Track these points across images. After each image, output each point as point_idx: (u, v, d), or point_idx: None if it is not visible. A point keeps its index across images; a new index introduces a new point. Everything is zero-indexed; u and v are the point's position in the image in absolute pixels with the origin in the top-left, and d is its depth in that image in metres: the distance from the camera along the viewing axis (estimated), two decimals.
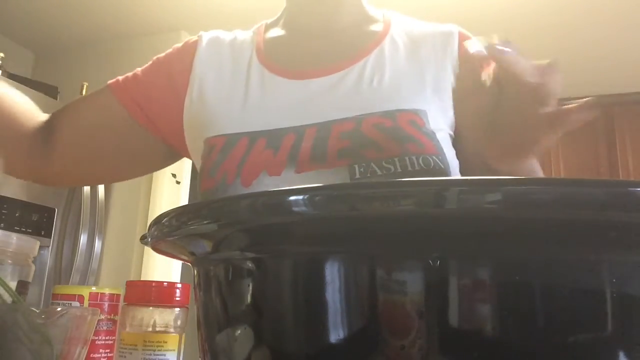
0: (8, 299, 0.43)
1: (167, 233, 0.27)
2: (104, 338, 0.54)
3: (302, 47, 0.70)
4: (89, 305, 0.53)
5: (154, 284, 0.53)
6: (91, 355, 0.52)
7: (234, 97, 0.67)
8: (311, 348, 0.23)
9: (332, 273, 0.23)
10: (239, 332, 0.26)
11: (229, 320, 0.27)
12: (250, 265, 0.25)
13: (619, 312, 0.20)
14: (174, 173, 3.07)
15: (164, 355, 0.50)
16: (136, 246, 2.70)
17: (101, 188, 2.41)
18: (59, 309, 0.40)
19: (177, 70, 0.73)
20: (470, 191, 0.19)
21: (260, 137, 0.62)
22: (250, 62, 0.70)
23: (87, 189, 2.34)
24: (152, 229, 0.28)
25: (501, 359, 0.20)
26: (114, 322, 0.55)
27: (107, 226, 2.48)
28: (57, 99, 2.64)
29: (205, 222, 0.25)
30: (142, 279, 2.62)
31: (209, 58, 0.72)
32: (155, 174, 2.91)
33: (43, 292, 2.15)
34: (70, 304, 0.53)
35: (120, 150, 0.74)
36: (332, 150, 0.59)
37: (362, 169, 0.57)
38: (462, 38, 0.68)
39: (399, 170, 0.56)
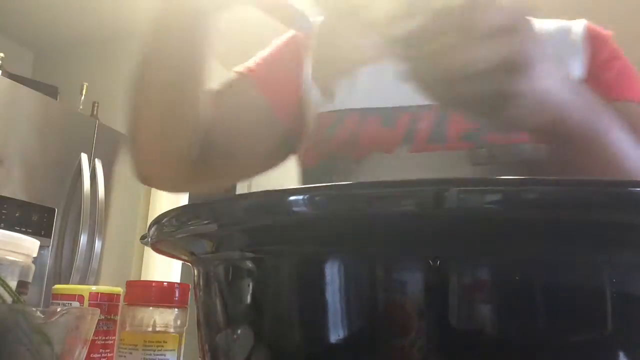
0: (8, 299, 0.43)
1: (167, 233, 0.27)
2: (104, 338, 0.54)
3: None
4: (89, 305, 0.53)
5: (154, 284, 0.53)
6: (91, 355, 0.52)
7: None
8: (311, 348, 0.23)
9: (332, 273, 0.23)
10: (239, 332, 0.26)
11: (229, 320, 0.27)
12: (250, 265, 0.25)
13: (619, 312, 0.20)
14: None
15: (164, 355, 0.50)
16: (136, 246, 2.70)
17: (101, 188, 2.41)
18: (59, 309, 0.40)
19: (297, 53, 0.70)
20: (470, 191, 0.19)
21: (372, 114, 0.61)
22: None
23: (87, 189, 2.34)
24: (152, 229, 0.28)
25: (501, 359, 0.20)
26: (114, 322, 0.55)
27: (107, 226, 2.48)
28: (57, 99, 2.64)
29: (205, 222, 0.25)
30: (142, 279, 2.62)
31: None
32: None
33: (43, 292, 2.15)
34: (70, 304, 0.53)
35: (264, 146, 0.70)
36: (453, 133, 0.58)
37: (486, 154, 0.56)
38: (590, 33, 0.65)
39: (527, 158, 0.55)
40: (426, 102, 0.58)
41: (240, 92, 0.69)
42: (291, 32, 0.72)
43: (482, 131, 0.56)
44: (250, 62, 0.71)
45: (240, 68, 0.71)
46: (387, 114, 0.61)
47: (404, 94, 0.60)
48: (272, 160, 0.72)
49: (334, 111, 0.63)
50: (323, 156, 0.60)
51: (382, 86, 0.63)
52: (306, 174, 0.64)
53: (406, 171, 0.56)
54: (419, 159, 0.57)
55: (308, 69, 0.68)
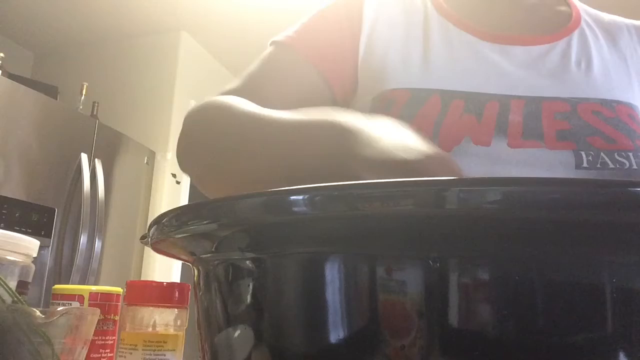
0: (8, 299, 0.43)
1: (167, 233, 0.27)
2: (104, 338, 0.54)
3: (491, 9, 0.64)
4: (89, 305, 0.53)
5: (154, 284, 0.53)
6: (91, 355, 0.52)
7: (411, 49, 0.60)
8: (311, 348, 0.23)
9: (332, 273, 0.23)
10: (239, 332, 0.26)
11: (229, 320, 0.27)
12: (250, 265, 0.25)
13: (619, 312, 0.20)
14: (174, 173, 3.07)
15: (164, 355, 0.50)
16: (136, 246, 2.70)
17: (101, 188, 2.42)
18: (59, 309, 0.40)
19: (347, 17, 0.63)
20: (470, 191, 0.19)
21: (456, 98, 0.55)
22: (427, 13, 0.63)
23: (87, 189, 2.34)
24: (152, 229, 0.28)
25: (501, 359, 0.20)
26: (114, 322, 0.55)
27: (107, 226, 2.48)
28: (57, 99, 2.64)
29: (205, 222, 0.25)
30: (142, 279, 2.62)
31: (378, 4, 0.64)
32: (155, 174, 2.92)
33: (43, 292, 2.15)
34: (70, 304, 0.53)
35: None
36: (548, 129, 0.54)
37: (590, 158, 0.52)
38: None
39: (634, 166, 0.52)
40: (509, 92, 0.56)
41: (283, 62, 0.61)
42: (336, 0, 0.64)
43: (583, 132, 0.53)
44: (288, 31, 0.63)
45: (278, 37, 0.63)
46: (470, 99, 0.55)
47: (485, 79, 0.57)
48: None
49: (408, 89, 0.56)
50: None
51: (459, 67, 0.58)
52: None
53: (505, 168, 0.52)
54: (521, 156, 0.53)
55: (367, 31, 0.61)
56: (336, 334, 0.22)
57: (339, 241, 0.23)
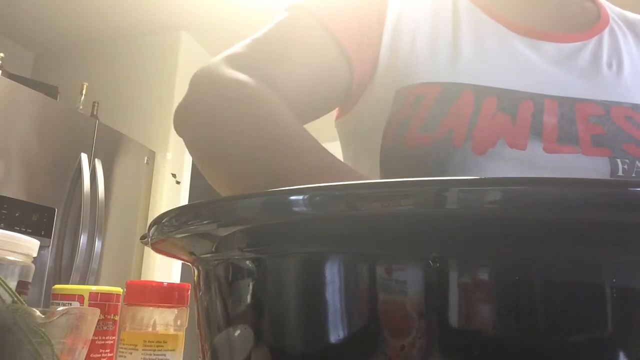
0: (8, 299, 0.43)
1: (167, 233, 0.27)
2: (103, 338, 0.54)
3: (521, 2, 0.61)
4: (89, 305, 0.53)
5: (154, 284, 0.53)
6: (91, 355, 0.52)
7: (440, 39, 0.57)
8: (311, 348, 0.23)
9: (332, 273, 0.23)
10: (239, 332, 0.26)
11: (229, 320, 0.27)
12: (250, 265, 0.25)
13: (619, 312, 0.20)
14: (174, 173, 3.07)
15: (164, 355, 0.50)
16: (136, 246, 2.70)
17: (101, 188, 2.42)
18: (59, 309, 0.40)
19: (371, 3, 0.59)
20: (470, 191, 0.19)
21: (489, 94, 0.53)
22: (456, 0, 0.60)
23: (87, 189, 2.34)
24: (152, 229, 0.28)
25: (501, 359, 0.20)
26: (114, 322, 0.55)
27: (107, 226, 2.48)
28: (57, 99, 2.64)
29: (205, 222, 0.25)
30: (142, 279, 2.62)
31: None
32: (155, 174, 2.92)
33: (43, 292, 2.15)
34: (70, 304, 0.53)
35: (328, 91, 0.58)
36: (584, 134, 0.51)
37: (625, 166, 0.50)
38: None
39: None
40: (542, 90, 0.53)
41: (301, 30, 0.56)
42: None
43: (617, 138, 0.51)
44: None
45: (296, 0, 0.57)
46: (504, 97, 0.52)
47: (517, 75, 0.54)
48: (322, 111, 0.60)
49: (439, 83, 0.53)
50: (436, 139, 0.51)
51: (491, 61, 0.55)
52: (409, 155, 0.52)
53: (540, 174, 0.50)
54: (558, 162, 0.51)
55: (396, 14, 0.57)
56: (336, 334, 0.22)
57: (339, 241, 0.23)
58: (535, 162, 0.51)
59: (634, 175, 0.50)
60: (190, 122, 0.53)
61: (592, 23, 0.63)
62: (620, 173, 0.51)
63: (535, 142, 0.51)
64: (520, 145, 0.51)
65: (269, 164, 0.43)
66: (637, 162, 0.51)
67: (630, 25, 0.65)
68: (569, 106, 0.53)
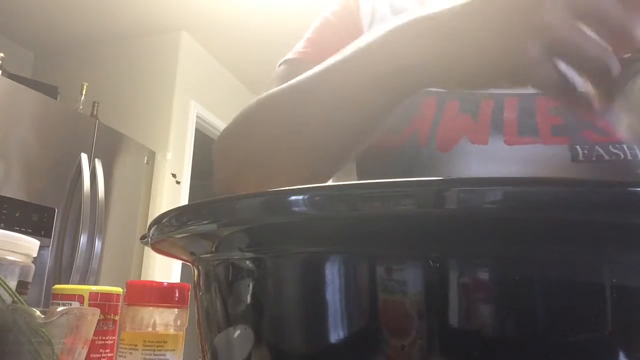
0: (8, 299, 0.43)
1: (167, 233, 0.27)
2: (104, 338, 0.54)
3: None
4: (89, 305, 0.53)
5: (154, 284, 0.53)
6: (91, 355, 0.52)
7: None
8: (311, 348, 0.23)
9: (332, 273, 0.23)
10: (239, 332, 0.26)
11: (229, 320, 0.27)
12: (250, 265, 0.25)
13: (619, 312, 0.20)
14: (174, 173, 3.07)
15: (164, 355, 0.50)
16: (136, 246, 2.70)
17: (101, 188, 2.42)
18: (59, 309, 0.40)
19: (352, 21, 0.63)
20: (470, 191, 0.19)
21: (451, 99, 0.56)
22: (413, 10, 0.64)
23: (87, 189, 2.34)
24: (152, 229, 0.28)
25: (501, 359, 0.20)
26: (114, 322, 0.55)
27: (107, 226, 2.48)
28: (57, 99, 2.64)
29: (205, 222, 0.25)
30: (142, 279, 2.62)
31: (371, 5, 0.64)
32: (155, 174, 2.92)
33: (43, 292, 2.15)
34: (70, 304, 0.53)
35: None
36: (543, 125, 0.53)
37: (585, 151, 0.52)
38: None
39: (629, 157, 0.51)
40: (503, 90, 0.55)
41: (300, 73, 0.59)
42: (335, 6, 0.64)
43: (577, 126, 0.53)
44: (296, 48, 0.63)
45: (288, 56, 0.62)
46: (465, 99, 0.55)
47: None
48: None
49: None
50: (404, 139, 0.54)
51: None
52: (380, 155, 0.56)
53: (504, 165, 0.52)
54: (518, 152, 0.53)
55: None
56: (336, 334, 0.22)
57: (339, 241, 0.23)
58: (498, 154, 0.53)
59: (594, 159, 0.52)
60: (234, 149, 0.55)
61: None
62: (581, 158, 0.52)
63: (497, 136, 0.53)
64: (482, 140, 0.53)
65: (340, 108, 0.45)
66: (596, 147, 0.52)
67: None
68: (529, 101, 0.55)
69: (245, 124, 0.55)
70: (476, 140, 0.53)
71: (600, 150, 0.52)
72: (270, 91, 0.54)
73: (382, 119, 0.46)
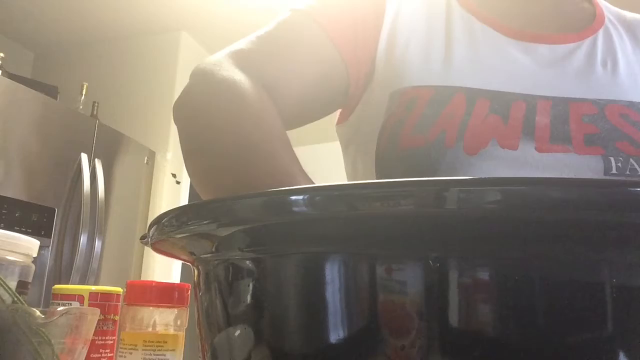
0: (8, 299, 0.43)
1: (167, 233, 0.27)
2: (103, 338, 0.54)
3: (514, 3, 0.62)
4: (89, 305, 0.53)
5: (154, 284, 0.53)
6: (91, 355, 0.52)
7: (433, 44, 0.58)
8: (311, 348, 0.23)
9: (332, 273, 0.23)
10: (239, 332, 0.26)
11: (229, 320, 0.27)
12: (250, 265, 0.25)
13: (619, 312, 0.20)
14: (174, 173, 3.07)
15: (164, 355, 0.50)
16: (136, 246, 2.70)
17: (101, 188, 2.42)
18: (59, 309, 0.40)
19: (373, 4, 0.61)
20: (470, 191, 0.19)
21: (481, 96, 0.53)
22: (449, 5, 0.61)
23: (87, 189, 2.34)
24: (152, 229, 0.28)
25: (501, 359, 0.20)
26: (114, 322, 0.55)
27: (107, 226, 2.48)
28: (57, 99, 2.64)
29: (205, 222, 0.25)
30: (142, 279, 2.62)
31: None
32: (155, 174, 2.92)
33: (43, 292, 2.15)
34: (70, 304, 0.53)
35: (324, 94, 0.59)
36: (576, 133, 0.52)
37: (619, 164, 0.51)
38: None
39: None
40: (535, 91, 0.54)
41: (302, 32, 0.58)
42: None
43: (611, 137, 0.51)
44: (310, 0, 0.60)
45: (298, 4, 0.60)
46: (496, 99, 0.53)
47: (510, 77, 0.55)
48: (321, 112, 0.61)
49: (431, 86, 0.54)
50: (428, 140, 0.51)
51: (483, 64, 0.56)
52: (402, 156, 0.53)
53: (533, 173, 0.50)
54: (550, 161, 0.51)
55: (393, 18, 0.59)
56: (336, 334, 0.22)
57: (339, 241, 0.23)
58: (527, 161, 0.51)
59: (628, 172, 0.50)
60: (182, 114, 0.54)
61: (587, 23, 0.63)
62: (614, 171, 0.51)
63: (527, 142, 0.52)
64: (511, 145, 0.51)
65: (238, 163, 0.45)
66: (631, 160, 0.51)
67: (626, 24, 0.65)
68: (562, 106, 0.54)
69: (191, 99, 0.53)
70: (506, 145, 0.51)
71: (634, 163, 0.50)
72: (223, 79, 0.51)
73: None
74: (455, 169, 0.51)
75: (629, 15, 0.67)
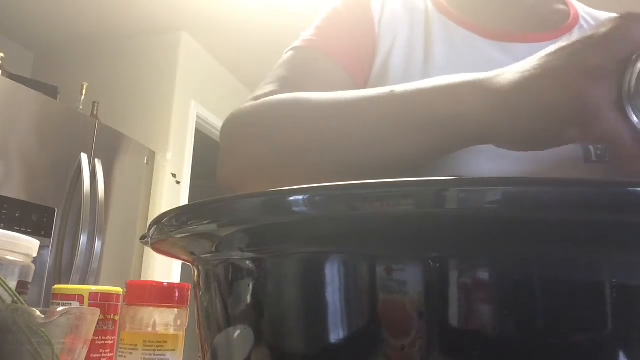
0: (8, 299, 0.43)
1: (167, 233, 0.27)
2: (103, 338, 0.54)
3: (490, 7, 0.64)
4: (89, 305, 0.53)
5: (154, 284, 0.53)
6: (91, 355, 0.52)
7: (413, 48, 0.61)
8: (311, 348, 0.23)
9: (332, 273, 0.23)
10: (239, 332, 0.26)
11: (229, 320, 0.27)
12: (250, 265, 0.25)
13: (619, 312, 0.20)
14: (174, 173, 3.07)
15: (164, 355, 0.50)
16: (136, 246, 2.70)
17: (101, 188, 2.42)
18: (59, 309, 0.40)
19: (362, 12, 0.63)
20: (470, 191, 0.19)
21: None
22: (427, 11, 0.64)
23: (87, 189, 2.34)
24: (152, 229, 0.28)
25: (501, 359, 0.20)
26: (114, 322, 0.55)
27: (107, 226, 2.48)
28: (57, 99, 2.64)
29: (205, 222, 0.25)
30: (142, 279, 2.62)
31: (382, 1, 0.64)
32: (155, 174, 2.92)
33: (43, 292, 2.15)
34: (70, 304, 0.53)
35: None
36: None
37: (598, 152, 0.52)
38: None
39: None
40: None
41: (310, 63, 0.61)
42: None
43: None
44: (304, 36, 0.63)
45: (297, 43, 0.63)
46: None
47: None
48: None
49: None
50: None
51: (461, 66, 0.56)
52: None
53: (515, 164, 0.51)
54: (527, 153, 0.50)
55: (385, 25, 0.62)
56: (336, 334, 0.22)
57: (339, 241, 0.23)
58: (509, 153, 0.52)
59: (607, 159, 0.51)
60: (252, 132, 0.54)
61: (562, 23, 0.65)
62: (594, 158, 0.52)
63: None
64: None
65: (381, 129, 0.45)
66: (605, 147, 0.51)
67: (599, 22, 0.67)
68: None
69: (255, 125, 0.54)
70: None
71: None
72: (285, 96, 0.53)
73: (419, 158, 0.46)
74: (438, 164, 0.53)
75: (602, 14, 0.69)
